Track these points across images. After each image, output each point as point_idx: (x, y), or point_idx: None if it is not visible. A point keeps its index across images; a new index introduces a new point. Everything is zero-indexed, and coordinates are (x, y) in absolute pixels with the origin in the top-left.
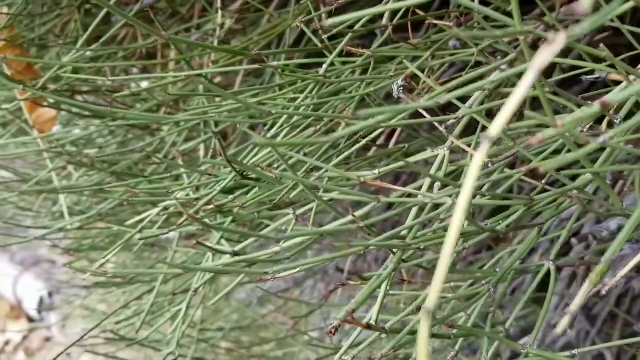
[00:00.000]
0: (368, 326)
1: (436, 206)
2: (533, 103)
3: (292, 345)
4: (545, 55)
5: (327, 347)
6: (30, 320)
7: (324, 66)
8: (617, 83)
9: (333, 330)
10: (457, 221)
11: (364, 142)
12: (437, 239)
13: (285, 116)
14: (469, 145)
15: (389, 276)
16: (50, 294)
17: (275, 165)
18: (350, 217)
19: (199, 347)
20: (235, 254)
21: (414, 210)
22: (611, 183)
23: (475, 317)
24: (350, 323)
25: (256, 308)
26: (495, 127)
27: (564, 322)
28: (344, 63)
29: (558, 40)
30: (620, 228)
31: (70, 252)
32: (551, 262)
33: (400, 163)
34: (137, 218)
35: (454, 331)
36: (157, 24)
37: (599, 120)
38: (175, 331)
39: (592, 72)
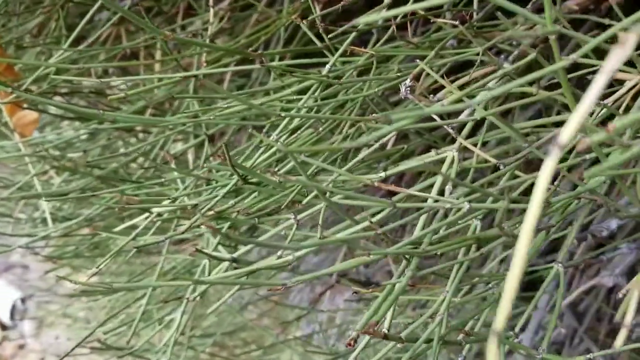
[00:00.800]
0: (385, 336)
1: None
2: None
3: (280, 349)
4: (617, 58)
5: (322, 352)
6: (3, 327)
7: (327, 66)
8: (620, 82)
9: (352, 342)
10: (526, 233)
11: (376, 144)
12: (454, 244)
13: (287, 118)
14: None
15: (406, 284)
16: (23, 300)
17: (276, 169)
18: (361, 225)
19: (185, 354)
20: (234, 260)
21: (425, 215)
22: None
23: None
24: (370, 334)
25: (240, 312)
26: (566, 134)
27: (622, 336)
28: (343, 63)
29: (629, 42)
30: (620, 227)
31: (54, 260)
32: (560, 264)
33: (407, 165)
34: (127, 224)
35: (460, 336)
36: (146, 21)
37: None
38: (170, 340)
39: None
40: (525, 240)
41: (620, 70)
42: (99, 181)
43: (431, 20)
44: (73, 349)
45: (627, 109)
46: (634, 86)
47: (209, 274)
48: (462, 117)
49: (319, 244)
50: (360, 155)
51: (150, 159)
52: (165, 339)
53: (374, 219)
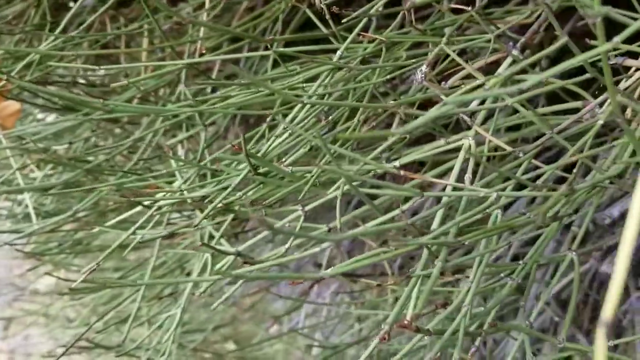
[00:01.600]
0: (418, 329)
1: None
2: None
3: (269, 343)
4: None
5: (321, 346)
6: None
7: (338, 53)
8: (626, 69)
9: (387, 336)
10: (632, 225)
11: (397, 133)
12: (484, 234)
13: (299, 106)
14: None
15: (438, 275)
16: None
17: (283, 159)
18: (388, 216)
19: (176, 350)
20: (238, 254)
21: (444, 203)
22: None
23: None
24: (404, 327)
25: (229, 307)
26: None
27: None
28: (347, 49)
29: None
30: (622, 215)
31: (37, 257)
32: (574, 253)
33: (420, 153)
34: (119, 218)
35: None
36: (163, 3)
37: None
38: (170, 338)
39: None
40: (632, 232)
41: (631, 57)
42: (85, 174)
43: (437, 7)
44: (68, 348)
45: None
46: None
47: (212, 268)
48: (474, 105)
49: (355, 235)
50: (386, 144)
51: (150, 146)
52: (164, 336)
53: (397, 211)
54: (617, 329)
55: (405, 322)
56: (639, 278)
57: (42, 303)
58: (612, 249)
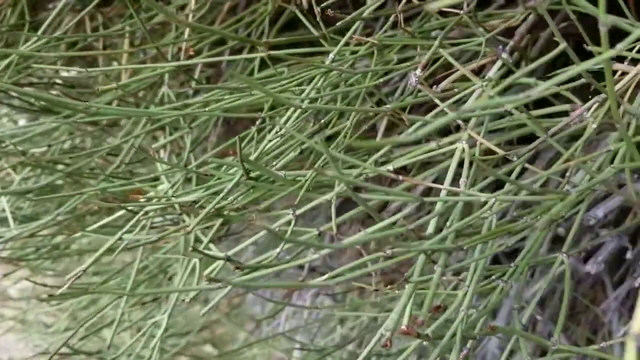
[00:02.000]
0: (418, 335)
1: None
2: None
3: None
4: None
5: (308, 349)
6: None
7: (331, 55)
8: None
9: (389, 343)
10: None
11: (401, 138)
12: (483, 238)
13: (291, 109)
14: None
15: (439, 280)
16: None
17: (274, 163)
18: (387, 221)
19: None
20: (228, 259)
21: (439, 207)
22: None
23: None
24: (406, 333)
25: (210, 311)
26: None
27: None
28: (338, 52)
29: None
30: (606, 215)
31: (14, 262)
32: (565, 255)
33: (417, 157)
34: (101, 222)
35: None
36: (158, 4)
37: None
38: (156, 344)
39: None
40: None
41: (619, 62)
42: (64, 178)
43: (425, 9)
44: (52, 355)
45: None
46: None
47: (200, 273)
48: (472, 110)
49: (355, 242)
50: (385, 149)
51: (132, 149)
52: (149, 343)
53: (398, 215)
54: (592, 326)
55: (405, 327)
56: (614, 276)
57: (16, 308)
58: (596, 250)
